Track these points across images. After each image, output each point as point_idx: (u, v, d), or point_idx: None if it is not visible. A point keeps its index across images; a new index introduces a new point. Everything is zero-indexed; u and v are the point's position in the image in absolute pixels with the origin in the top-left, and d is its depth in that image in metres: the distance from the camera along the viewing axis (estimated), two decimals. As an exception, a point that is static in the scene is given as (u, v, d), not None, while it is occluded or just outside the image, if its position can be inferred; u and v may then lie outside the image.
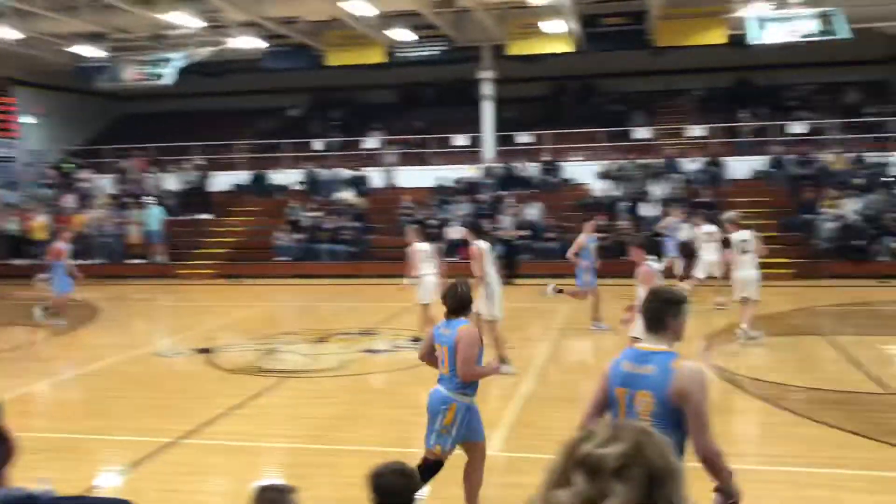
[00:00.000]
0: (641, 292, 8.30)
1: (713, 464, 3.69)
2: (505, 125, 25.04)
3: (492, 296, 10.10)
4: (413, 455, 7.14)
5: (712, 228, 14.58)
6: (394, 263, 21.11)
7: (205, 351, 11.89)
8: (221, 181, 25.42)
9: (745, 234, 12.02)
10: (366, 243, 21.85)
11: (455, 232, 21.01)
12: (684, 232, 16.77)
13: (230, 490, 6.53)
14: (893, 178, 20.55)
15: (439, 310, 8.60)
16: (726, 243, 12.12)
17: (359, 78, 27.10)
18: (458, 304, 5.64)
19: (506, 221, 20.12)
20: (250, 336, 13.17)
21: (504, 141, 24.60)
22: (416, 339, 11.97)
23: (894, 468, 6.80)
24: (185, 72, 22.40)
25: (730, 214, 12.78)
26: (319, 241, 21.73)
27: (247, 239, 23.27)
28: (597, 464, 1.43)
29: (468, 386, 5.57)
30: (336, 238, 21.62)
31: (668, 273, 14.42)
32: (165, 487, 6.61)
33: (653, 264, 8.67)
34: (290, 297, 19.08)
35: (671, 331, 3.77)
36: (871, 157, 21.37)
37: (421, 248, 11.96)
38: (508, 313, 15.08)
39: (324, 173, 24.63)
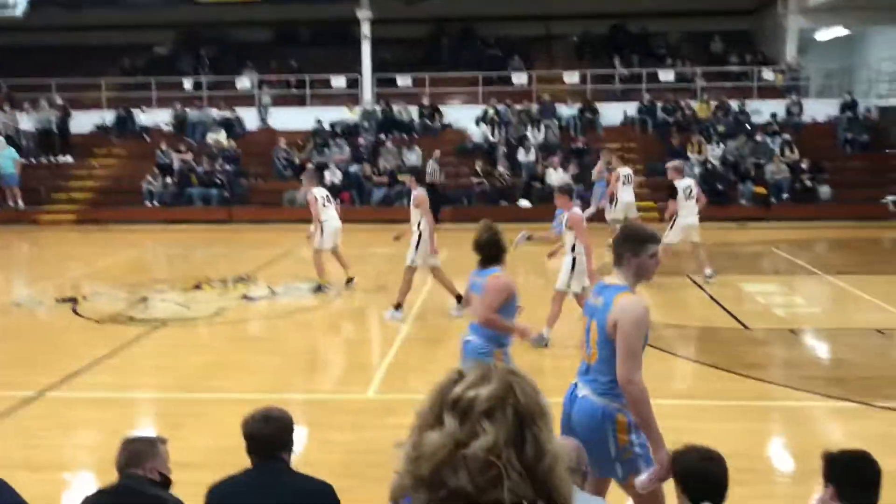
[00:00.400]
0: (569, 237, 8.52)
1: (632, 399, 3.86)
2: (384, 67, 24.68)
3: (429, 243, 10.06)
4: (291, 401, 7.11)
5: (628, 171, 14.93)
6: (269, 208, 20.72)
7: (69, 300, 11.32)
8: (83, 121, 23.95)
9: (688, 182, 12.28)
10: (240, 187, 21.23)
11: (334, 176, 20.73)
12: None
13: (98, 443, 6.28)
14: (753, 126, 21.63)
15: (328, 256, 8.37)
16: (672, 191, 12.19)
17: (230, 14, 25.98)
18: (491, 252, 5.46)
19: (431, 166, 19.76)
20: (119, 284, 12.61)
21: (383, 84, 24.27)
22: (318, 288, 11.76)
23: (749, 398, 7.28)
24: (38, 3, 20.80)
25: (675, 162, 12.93)
26: (190, 184, 20.94)
27: (112, 183, 22.14)
28: (467, 405, 1.43)
29: (503, 336, 5.36)
30: (208, 182, 20.88)
31: (600, 217, 14.81)
32: (29, 443, 6.31)
33: (578, 210, 8.85)
34: (160, 243, 18.38)
35: (630, 267, 3.90)
36: (735, 104, 22.38)
37: (319, 194, 11.61)
38: (389, 258, 15.10)
39: (194, 114, 23.63)
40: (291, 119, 23.42)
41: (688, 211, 12.00)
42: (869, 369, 8.28)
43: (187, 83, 24.71)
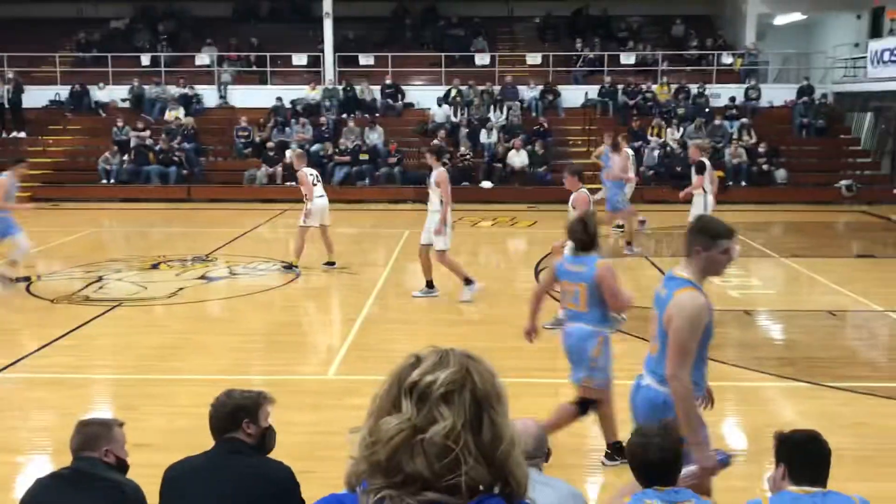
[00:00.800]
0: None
1: (675, 396, 3.82)
2: (346, 45, 24.44)
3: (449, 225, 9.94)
4: (250, 382, 7.07)
5: (314, 171, 14.60)
6: (229, 187, 20.48)
7: (23, 280, 11.09)
8: (37, 97, 23.36)
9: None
10: (199, 165, 20.93)
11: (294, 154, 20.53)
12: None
13: (53, 425, 6.20)
14: (712, 110, 21.86)
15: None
16: (700, 167, 11.97)
17: (189, -11, 25.52)
18: (589, 238, 5.46)
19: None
20: (75, 263, 12.39)
21: (345, 62, 24.04)
22: (289, 267, 11.64)
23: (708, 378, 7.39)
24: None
25: (699, 141, 12.79)
26: (148, 162, 20.58)
27: (67, 160, 21.69)
28: (425, 390, 1.43)
29: (608, 318, 5.52)
30: (166, 160, 20.55)
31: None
32: (-20, 425, 6.19)
33: (584, 191, 8.89)
34: (117, 222, 18.09)
35: (699, 261, 3.89)
36: (694, 88, 22.60)
37: (308, 172, 11.57)
38: (352, 238, 15.03)
39: (152, 90, 23.19)
40: (251, 97, 23.13)
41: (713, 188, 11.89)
42: (820, 350, 8.48)
43: (145, 59, 24.22)
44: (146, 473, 3.50)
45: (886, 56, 19.81)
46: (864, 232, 16.38)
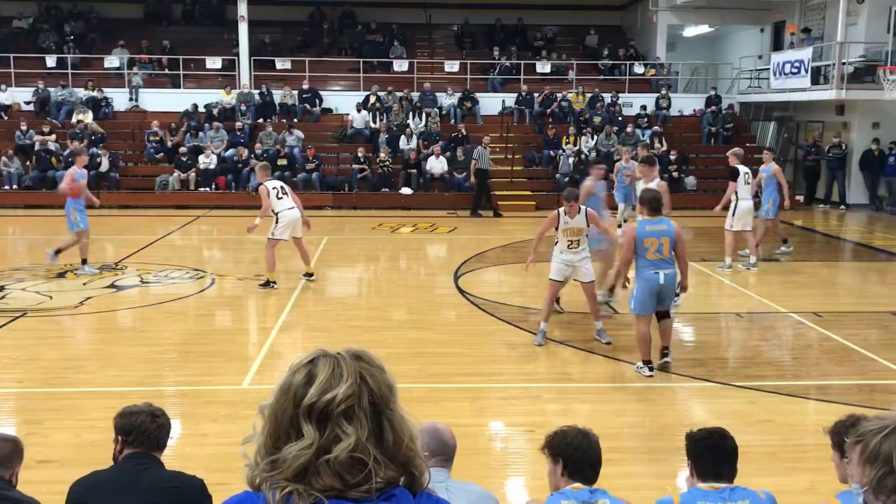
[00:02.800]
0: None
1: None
2: (262, 50, 24.08)
3: None
4: (161, 394, 6.87)
5: (278, 183, 14.36)
6: (140, 193, 19.90)
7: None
8: (-68, 98, 22.21)
9: (745, 168, 12.50)
10: (108, 171, 20.24)
11: (210, 161, 20.11)
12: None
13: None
14: (625, 118, 22.42)
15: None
16: (733, 174, 12.39)
17: (98, -12, 24.70)
18: (658, 204, 7.56)
19: (478, 152, 19.09)
20: (-28, 273, 11.81)
21: (261, 66, 23.68)
22: (266, 284, 11.04)
23: (621, 380, 7.58)
24: None
25: (736, 149, 13.24)
26: (52, 167, 19.80)
27: (-34, 164, 20.66)
28: (324, 410, 1.44)
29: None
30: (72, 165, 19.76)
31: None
32: None
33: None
34: (20, 229, 17.34)
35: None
36: (608, 97, 23.13)
37: (271, 186, 11.06)
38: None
39: (58, 93, 22.33)
40: (163, 101, 22.54)
41: (746, 194, 12.26)
42: (728, 350, 8.78)
43: (50, 60, 23.30)
44: (50, 491, 3.36)
45: (787, 68, 20.72)
46: (769, 236, 17.05)
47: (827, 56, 19.90)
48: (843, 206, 20.15)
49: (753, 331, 9.59)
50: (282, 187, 11.23)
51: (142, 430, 3.33)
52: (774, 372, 7.89)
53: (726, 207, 12.51)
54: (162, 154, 20.69)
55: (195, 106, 21.92)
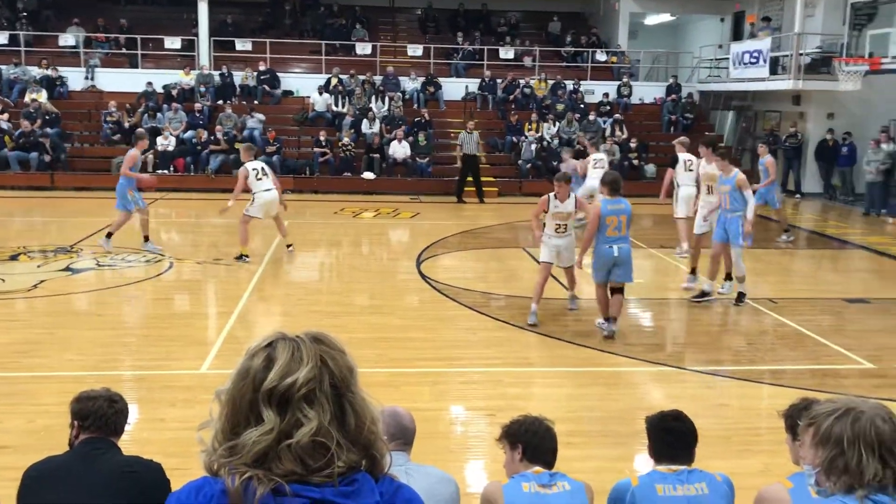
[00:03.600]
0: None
1: None
2: (222, 30, 23.70)
3: None
4: (118, 378, 6.78)
5: (601, 156, 14.68)
6: (97, 175, 19.52)
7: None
8: None
9: (688, 155, 12.61)
10: (62, 152, 19.82)
11: (168, 143, 19.79)
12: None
13: None
14: (587, 106, 22.54)
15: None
16: (673, 162, 12.80)
17: (52, -36, 24.08)
18: (619, 185, 8.25)
19: (463, 138, 18.93)
20: (-79, 255, 11.51)
21: (221, 47, 23.31)
22: (239, 257, 11.45)
23: (581, 364, 7.66)
24: None
25: (682, 138, 13.48)
26: (4, 146, 19.31)
27: (-86, 143, 20.07)
28: (285, 394, 1.42)
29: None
30: (27, 145, 19.35)
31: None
32: None
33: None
34: (-29, 210, 16.91)
35: None
36: (570, 84, 23.21)
37: (251, 167, 11.49)
38: (227, 228, 14.64)
39: (10, 71, 21.75)
40: (120, 81, 22.03)
41: (688, 181, 12.35)
42: (685, 336, 8.92)
43: (2, 37, 22.67)
44: (3, 477, 3.30)
45: (746, 58, 20.98)
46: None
47: (785, 47, 20.20)
48: (798, 195, 20.52)
49: (710, 316, 9.75)
50: (262, 168, 11.69)
51: (99, 415, 3.28)
52: (730, 357, 8.03)
53: (669, 195, 12.75)
54: (119, 135, 20.30)
55: (152, 86, 21.47)
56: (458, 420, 6.50)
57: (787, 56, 19.75)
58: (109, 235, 11.97)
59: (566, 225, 8.87)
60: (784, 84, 19.62)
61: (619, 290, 8.37)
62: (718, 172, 9.93)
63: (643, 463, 5.56)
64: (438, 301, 9.90)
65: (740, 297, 9.79)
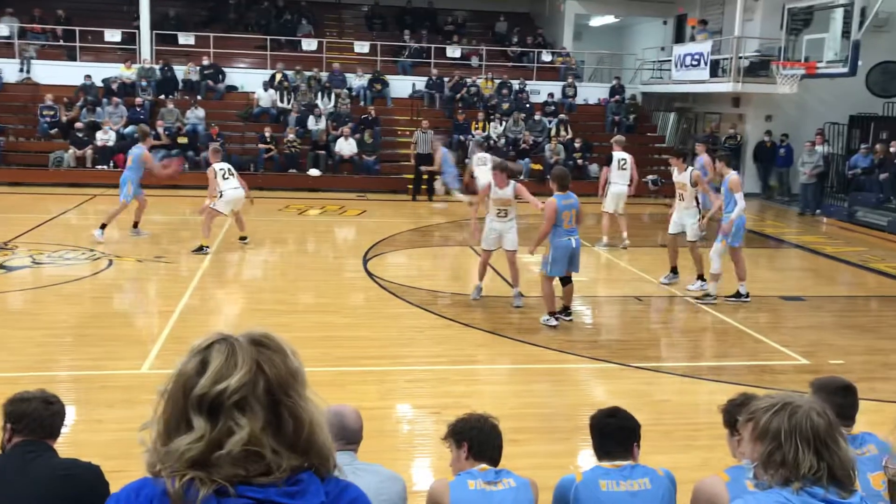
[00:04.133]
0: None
1: None
2: (164, 23, 23.24)
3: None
4: (55, 379, 6.61)
5: (225, 165, 14.35)
6: (32, 170, 18.98)
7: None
8: None
9: (623, 154, 13.49)
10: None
11: (108, 137, 19.33)
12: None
13: None
14: (532, 105, 22.72)
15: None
16: (608, 161, 13.65)
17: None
18: (567, 181, 8.66)
19: (417, 136, 19.07)
20: None
21: (163, 40, 22.85)
22: (200, 249, 11.76)
23: (525, 361, 7.72)
24: None
25: (618, 137, 14.72)
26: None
27: None
28: (216, 401, 1.38)
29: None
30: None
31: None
32: None
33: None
34: None
35: None
36: (516, 84, 23.36)
37: (219, 167, 12.20)
38: (169, 226, 14.39)
39: (-59, 62, 21.01)
40: (58, 73, 21.43)
41: (620, 180, 13.22)
42: (628, 332, 9.06)
43: (-70, 26, 21.89)
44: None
45: (688, 60, 21.40)
46: (667, 224, 17.63)
47: (725, 50, 20.66)
48: (737, 195, 21.00)
49: (651, 314, 9.92)
50: (228, 169, 12.42)
51: (34, 417, 3.19)
52: (671, 353, 8.19)
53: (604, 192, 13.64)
54: (56, 129, 19.77)
55: (91, 79, 20.91)
56: (404, 418, 6.50)
57: (727, 59, 20.20)
58: (103, 227, 12.46)
59: (507, 210, 9.51)
60: (724, 86, 20.07)
61: (569, 280, 8.81)
62: (687, 181, 10.54)
63: (587, 459, 5.63)
64: (385, 299, 9.88)
65: (706, 296, 10.14)
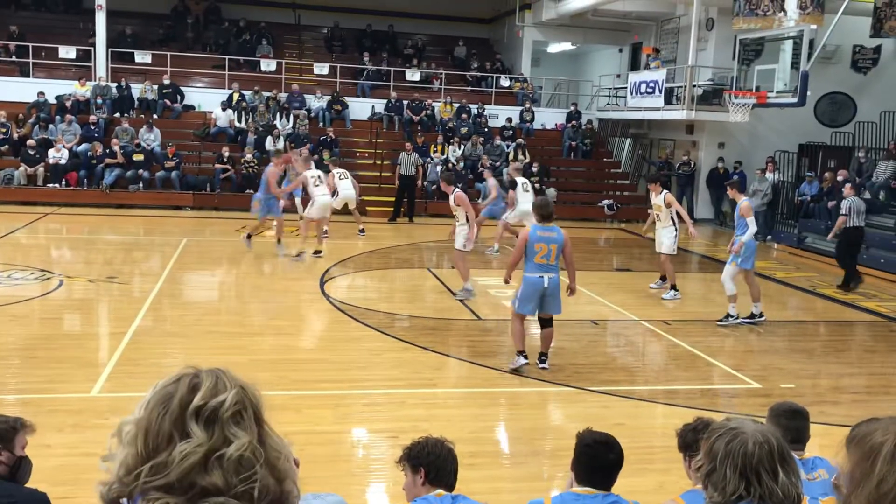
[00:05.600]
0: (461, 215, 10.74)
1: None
2: (120, 41, 22.99)
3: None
4: (2, 402, 6.42)
5: (316, 172, 14.56)
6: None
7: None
8: None
9: (524, 179, 15.31)
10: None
11: (61, 155, 19.00)
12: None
13: None
14: (491, 129, 22.92)
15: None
16: (512, 184, 15.01)
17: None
18: (548, 211, 7.92)
19: (401, 157, 18.48)
20: None
21: (119, 58, 22.58)
22: (316, 253, 13.50)
23: (482, 385, 7.72)
24: None
25: (516, 164, 16.95)
26: None
27: None
28: (213, 413, 1.44)
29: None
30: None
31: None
32: None
33: (458, 191, 10.89)
34: None
35: None
36: (475, 108, 23.55)
37: (311, 174, 13.50)
38: (122, 245, 14.16)
39: None
40: (9, 90, 21.03)
41: (525, 200, 14.12)
42: (584, 356, 9.11)
43: None
44: None
45: (643, 87, 21.80)
46: (623, 248, 17.88)
47: (679, 78, 21.09)
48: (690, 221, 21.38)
49: (607, 337, 10.01)
50: (319, 176, 13.92)
51: None
52: (626, 377, 8.26)
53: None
54: (7, 147, 19.38)
55: (44, 96, 20.57)
56: (360, 443, 6.44)
57: (681, 87, 20.62)
58: (249, 236, 13.75)
59: (455, 216, 10.72)
60: (678, 114, 20.46)
61: (548, 322, 8.06)
62: (662, 203, 11.75)
63: (545, 483, 5.64)
64: (342, 322, 9.82)
65: (727, 317, 10.50)
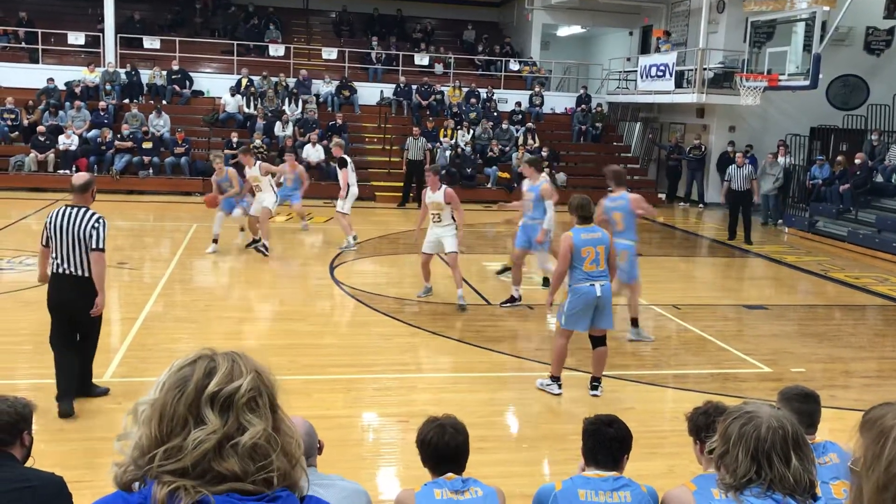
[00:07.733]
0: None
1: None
2: (129, 27, 22.98)
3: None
4: (15, 388, 6.47)
5: (256, 172, 13.36)
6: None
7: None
8: None
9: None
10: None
11: (71, 142, 19.05)
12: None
13: None
14: (500, 114, 22.85)
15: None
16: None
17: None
18: (588, 211, 6.97)
19: (408, 143, 18.46)
20: None
21: (128, 44, 22.59)
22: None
23: (491, 369, 7.73)
24: None
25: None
26: None
27: None
28: (229, 398, 1.45)
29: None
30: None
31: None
32: None
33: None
34: None
35: None
36: (484, 92, 23.47)
37: (256, 173, 12.69)
38: (133, 231, 14.22)
39: None
40: (19, 76, 21.10)
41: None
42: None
43: None
44: None
45: (653, 71, 21.67)
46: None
47: (689, 61, 20.94)
48: (701, 205, 21.29)
49: (617, 322, 9.97)
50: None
51: None
52: (636, 362, 8.26)
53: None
54: (17, 133, 19.44)
55: (54, 82, 20.61)
56: (371, 427, 6.47)
57: (691, 70, 20.49)
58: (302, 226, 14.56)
59: (440, 214, 9.62)
60: (688, 97, 20.33)
61: (601, 341, 7.01)
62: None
63: (554, 467, 5.66)
64: (352, 307, 9.85)
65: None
